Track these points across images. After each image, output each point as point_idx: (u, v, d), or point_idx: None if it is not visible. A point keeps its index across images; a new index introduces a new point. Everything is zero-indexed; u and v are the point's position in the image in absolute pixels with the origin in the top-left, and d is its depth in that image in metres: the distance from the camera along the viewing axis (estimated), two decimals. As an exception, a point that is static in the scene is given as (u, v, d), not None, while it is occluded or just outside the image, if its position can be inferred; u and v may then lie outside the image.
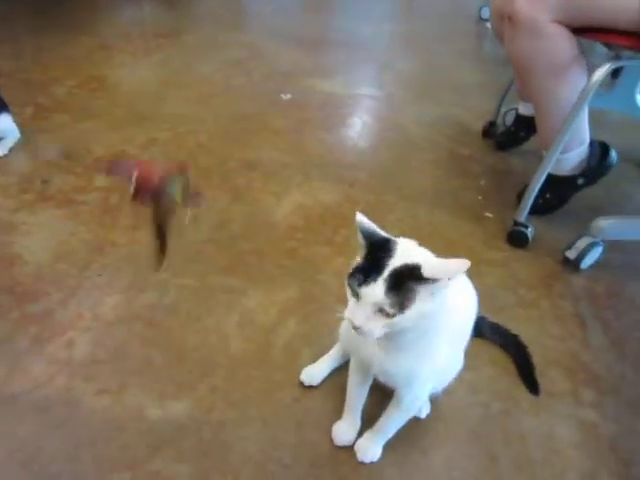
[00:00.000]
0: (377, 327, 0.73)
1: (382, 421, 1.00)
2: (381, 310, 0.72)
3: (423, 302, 0.72)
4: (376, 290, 0.71)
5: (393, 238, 0.77)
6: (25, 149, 1.75)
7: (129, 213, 1.60)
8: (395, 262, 0.73)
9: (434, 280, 0.70)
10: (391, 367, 0.87)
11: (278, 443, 1.03)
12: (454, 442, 1.07)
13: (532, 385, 1.19)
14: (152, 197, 0.97)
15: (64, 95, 2.28)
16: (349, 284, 0.75)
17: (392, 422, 0.99)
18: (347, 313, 0.75)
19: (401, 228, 1.62)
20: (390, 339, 0.78)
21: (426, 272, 0.70)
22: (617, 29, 1.34)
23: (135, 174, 0.95)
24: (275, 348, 1.23)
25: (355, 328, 0.74)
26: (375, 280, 0.72)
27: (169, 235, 1.02)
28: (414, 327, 0.75)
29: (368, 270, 0.73)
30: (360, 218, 0.77)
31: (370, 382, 1.02)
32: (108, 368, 1.16)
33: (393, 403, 0.97)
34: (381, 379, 0.93)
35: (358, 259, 0.76)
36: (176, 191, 0.98)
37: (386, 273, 0.72)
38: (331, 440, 1.03)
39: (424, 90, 2.65)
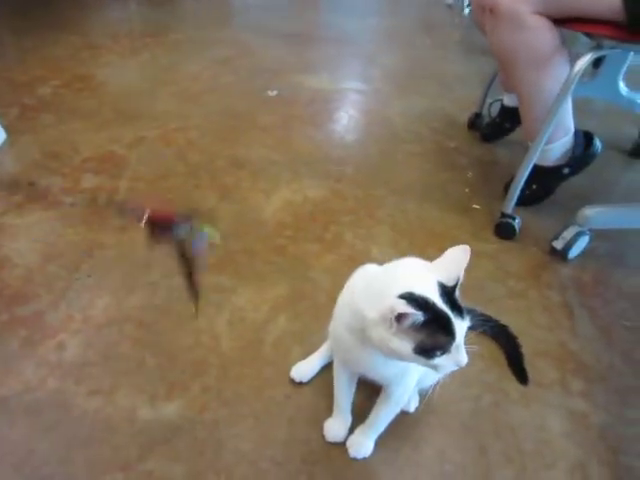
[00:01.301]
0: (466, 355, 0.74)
1: (372, 416, 1.01)
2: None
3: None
4: (464, 325, 0.73)
5: (408, 290, 0.74)
6: (11, 150, 1.75)
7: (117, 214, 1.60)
8: (450, 305, 0.73)
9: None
10: (385, 369, 0.88)
11: (270, 440, 1.04)
12: (445, 435, 1.07)
13: (521, 375, 1.20)
14: (176, 245, 0.98)
15: (50, 95, 2.27)
16: (432, 353, 0.73)
17: (382, 416, 1.00)
18: (449, 367, 0.75)
19: (390, 223, 1.63)
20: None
21: (459, 279, 0.76)
22: (598, 19, 1.34)
23: (147, 215, 0.98)
24: (266, 345, 1.23)
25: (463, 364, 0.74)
26: (461, 318, 0.73)
27: (198, 279, 1.01)
28: None
29: (444, 326, 0.72)
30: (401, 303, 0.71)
31: (356, 380, 1.03)
32: (99, 370, 1.16)
33: (382, 397, 0.98)
34: (370, 376, 0.93)
35: (416, 336, 0.72)
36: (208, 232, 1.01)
37: (447, 303, 0.73)
38: (323, 436, 1.04)
39: (409, 83, 2.65)
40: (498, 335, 1.28)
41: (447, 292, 0.74)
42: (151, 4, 3.53)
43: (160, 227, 0.97)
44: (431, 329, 0.71)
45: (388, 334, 0.73)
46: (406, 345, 0.72)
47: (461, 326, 0.72)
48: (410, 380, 0.93)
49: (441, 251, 0.83)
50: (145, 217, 0.96)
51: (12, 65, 2.53)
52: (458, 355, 0.73)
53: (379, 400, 0.99)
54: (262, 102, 2.35)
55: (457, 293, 0.76)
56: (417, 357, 0.73)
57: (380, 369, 0.87)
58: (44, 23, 3.01)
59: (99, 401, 1.09)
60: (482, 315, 1.29)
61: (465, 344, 0.74)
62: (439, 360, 0.73)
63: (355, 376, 1.01)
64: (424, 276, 0.77)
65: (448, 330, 0.72)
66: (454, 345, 0.72)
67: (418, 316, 0.69)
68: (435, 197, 1.77)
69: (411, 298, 0.71)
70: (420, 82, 2.65)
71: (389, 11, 3.90)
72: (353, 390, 1.04)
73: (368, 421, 1.02)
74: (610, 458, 1.05)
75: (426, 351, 0.72)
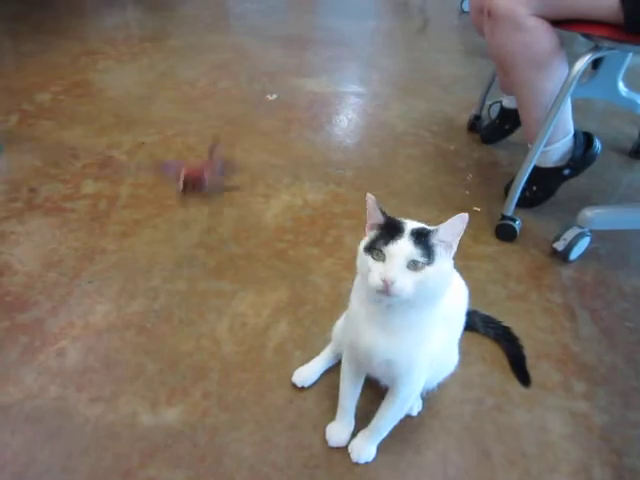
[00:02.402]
0: (408, 283, 0.77)
1: (376, 420, 1.00)
2: (412, 263, 0.76)
3: (443, 259, 0.79)
4: (405, 244, 0.77)
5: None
6: (11, 157, 1.75)
7: (118, 220, 1.60)
8: (411, 227, 0.79)
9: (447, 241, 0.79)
10: (392, 353, 0.87)
11: (272, 445, 1.03)
12: (448, 439, 1.07)
13: (524, 377, 1.20)
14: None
15: (49, 101, 2.27)
16: (371, 249, 0.79)
17: (387, 419, 0.99)
18: (376, 276, 0.78)
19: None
20: (392, 319, 0.83)
21: (439, 233, 0.78)
22: (596, 20, 1.34)
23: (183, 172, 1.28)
24: (267, 350, 1.23)
25: (386, 288, 0.76)
26: (401, 237, 0.77)
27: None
28: (437, 290, 0.81)
29: (389, 234, 0.78)
30: (372, 198, 0.82)
31: (362, 381, 1.02)
32: (100, 376, 1.16)
33: (387, 400, 0.98)
34: (379, 371, 0.93)
35: (371, 234, 0.82)
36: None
37: (408, 232, 0.78)
38: (325, 441, 1.03)
39: (409, 85, 2.65)
40: (500, 337, 1.28)
41: (418, 231, 0.79)
42: (149, 10, 3.53)
43: (193, 184, 1.23)
44: (381, 232, 0.80)
45: (362, 241, 0.84)
46: (364, 242, 0.82)
47: (402, 246, 0.77)
48: (417, 379, 0.93)
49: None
50: (182, 177, 1.17)
51: (11, 72, 2.53)
52: (387, 268, 0.77)
53: (383, 403, 0.99)
54: (261, 106, 2.35)
55: (432, 238, 0.78)
56: (363, 255, 0.81)
57: (391, 351, 0.87)
58: (43, 29, 3.01)
59: (100, 408, 1.09)
60: (484, 317, 1.29)
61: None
62: (372, 263, 0.79)
63: (362, 375, 1.01)
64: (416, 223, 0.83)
65: (390, 238, 0.78)
66: (388, 255, 0.77)
67: (379, 216, 0.81)
68: (435, 200, 1.77)
69: (382, 210, 0.82)
70: (419, 84, 2.65)
71: (387, 13, 3.90)
72: (358, 393, 1.04)
73: (371, 425, 1.01)
74: (613, 460, 1.05)
75: (368, 248, 0.80)
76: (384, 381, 0.98)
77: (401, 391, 0.94)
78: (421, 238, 0.77)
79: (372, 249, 0.79)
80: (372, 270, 0.78)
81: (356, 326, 0.89)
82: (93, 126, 2.11)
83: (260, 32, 3.23)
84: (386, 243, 0.78)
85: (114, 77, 2.54)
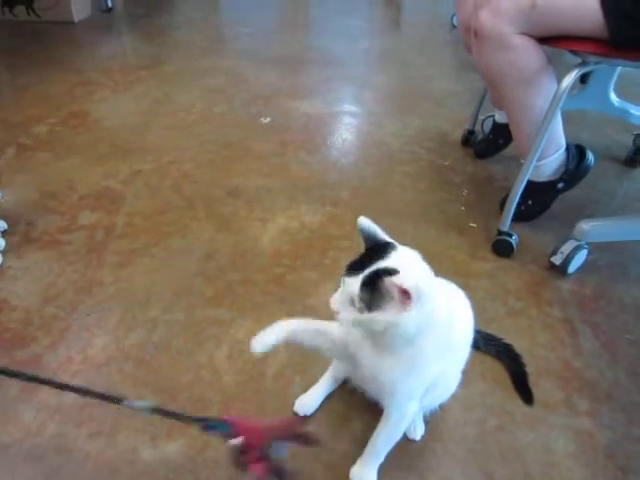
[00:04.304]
0: (347, 316, 0.79)
1: (371, 444, 1.00)
2: (352, 302, 0.78)
3: (394, 310, 0.76)
4: (353, 283, 0.77)
5: (394, 244, 0.82)
6: (8, 191, 1.75)
7: (114, 250, 1.60)
8: (382, 264, 0.77)
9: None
10: (375, 370, 0.88)
11: (273, 476, 1.03)
12: (451, 463, 1.06)
13: (526, 395, 1.19)
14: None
15: (46, 133, 2.29)
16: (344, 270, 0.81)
17: (380, 443, 0.99)
18: (332, 298, 0.82)
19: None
20: (375, 340, 0.84)
21: (395, 279, 0.73)
22: (582, 36, 1.35)
23: (241, 439, 0.87)
24: (267, 378, 1.22)
25: (333, 312, 0.81)
26: (357, 275, 0.77)
27: None
28: (391, 333, 0.79)
29: (358, 265, 0.79)
30: (362, 221, 0.84)
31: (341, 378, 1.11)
32: (99, 411, 1.15)
33: (380, 425, 0.97)
34: (363, 383, 0.95)
35: (357, 255, 0.83)
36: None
37: (367, 271, 0.77)
38: (326, 470, 1.02)
39: (402, 103, 2.67)
40: (502, 354, 1.28)
41: (380, 271, 0.76)
42: (144, 37, 3.57)
43: (252, 449, 0.87)
44: (358, 258, 0.82)
45: None
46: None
47: (351, 282, 0.78)
48: (405, 401, 0.93)
49: (438, 271, 0.86)
50: (238, 441, 0.86)
51: (7, 104, 2.55)
52: (336, 297, 0.81)
53: (377, 427, 0.98)
54: (256, 130, 2.36)
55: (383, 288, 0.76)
56: None
57: (374, 368, 0.88)
58: (39, 61, 3.04)
59: (100, 443, 1.09)
60: (485, 334, 1.29)
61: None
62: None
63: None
64: (406, 256, 0.82)
65: (352, 269, 0.79)
66: (342, 285, 0.80)
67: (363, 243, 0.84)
68: (431, 217, 1.77)
69: (367, 238, 0.84)
70: (413, 101, 2.67)
71: (378, 33, 3.93)
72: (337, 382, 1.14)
73: (366, 449, 1.01)
74: (619, 477, 1.04)
75: (347, 265, 0.82)
76: (371, 395, 0.98)
77: (391, 414, 0.94)
78: (372, 283, 0.76)
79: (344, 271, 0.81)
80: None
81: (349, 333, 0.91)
82: (89, 156, 2.12)
83: (254, 55, 3.26)
84: (347, 273, 0.80)
85: (110, 106, 2.56)
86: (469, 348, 1.02)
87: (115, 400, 0.92)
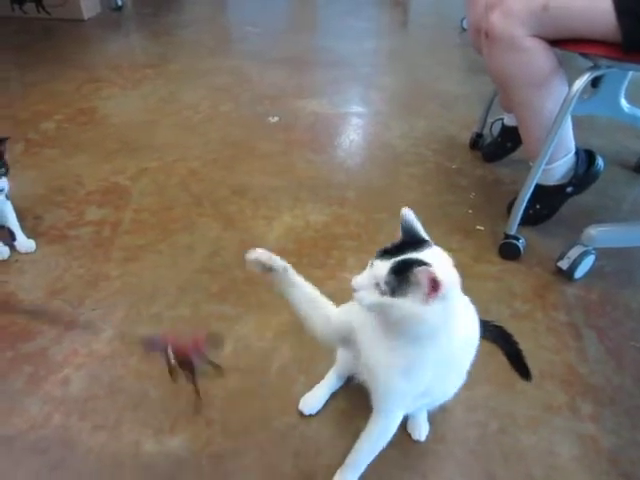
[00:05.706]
0: (368, 297, 0.80)
1: (353, 453, 0.98)
2: (377, 285, 0.78)
3: (415, 301, 0.76)
4: (383, 267, 0.78)
5: (430, 242, 0.84)
6: (17, 186, 1.75)
7: (121, 246, 1.61)
8: (414, 255, 0.78)
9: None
10: (375, 359, 0.88)
11: (276, 473, 1.03)
12: (453, 464, 1.06)
13: (523, 371, 1.17)
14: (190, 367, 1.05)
15: (54, 130, 2.30)
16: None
17: (363, 453, 0.98)
18: (356, 277, 0.83)
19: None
20: (385, 327, 0.84)
21: (429, 268, 0.74)
22: (594, 39, 1.35)
23: (170, 349, 1.03)
24: (271, 375, 1.22)
25: (353, 290, 0.82)
26: (388, 259, 0.79)
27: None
28: (405, 324, 0.80)
29: (390, 252, 0.81)
30: (406, 212, 0.86)
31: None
32: (104, 404, 1.16)
33: (365, 433, 0.96)
34: (363, 373, 0.94)
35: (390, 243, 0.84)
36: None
37: (399, 259, 0.78)
38: (328, 470, 1.02)
39: (410, 104, 2.66)
40: (496, 336, 1.26)
41: (410, 261, 0.78)
42: (152, 36, 3.57)
43: (181, 361, 1.03)
44: (391, 246, 0.83)
45: None
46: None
47: (380, 266, 0.79)
48: (393, 408, 0.93)
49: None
50: (169, 353, 1.02)
51: (16, 101, 2.56)
52: (363, 276, 0.82)
53: (361, 436, 0.97)
54: (263, 129, 2.36)
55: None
56: None
57: (375, 357, 0.89)
58: (47, 59, 3.05)
59: (104, 436, 1.09)
60: (481, 321, 1.27)
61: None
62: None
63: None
64: (437, 254, 0.82)
65: (384, 255, 0.81)
66: (371, 266, 0.81)
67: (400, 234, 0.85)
68: (438, 219, 1.77)
69: (405, 230, 0.85)
70: (420, 103, 2.66)
71: (385, 34, 3.92)
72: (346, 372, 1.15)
73: (348, 459, 0.99)
74: (623, 483, 1.03)
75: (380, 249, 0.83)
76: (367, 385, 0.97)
77: (377, 422, 0.94)
78: (401, 270, 0.77)
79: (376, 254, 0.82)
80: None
81: (357, 317, 0.92)
82: (97, 153, 2.12)
83: (261, 55, 3.26)
84: (378, 256, 0.81)
85: (117, 104, 2.57)
86: (469, 364, 1.01)
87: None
